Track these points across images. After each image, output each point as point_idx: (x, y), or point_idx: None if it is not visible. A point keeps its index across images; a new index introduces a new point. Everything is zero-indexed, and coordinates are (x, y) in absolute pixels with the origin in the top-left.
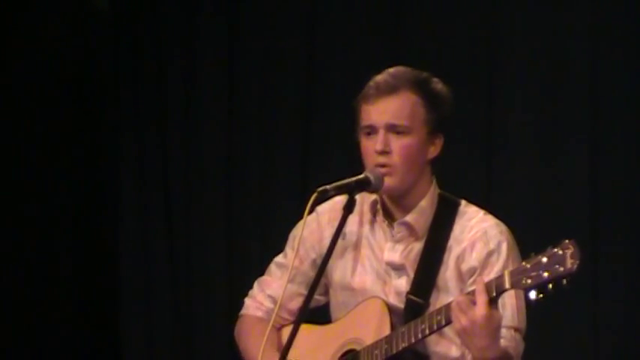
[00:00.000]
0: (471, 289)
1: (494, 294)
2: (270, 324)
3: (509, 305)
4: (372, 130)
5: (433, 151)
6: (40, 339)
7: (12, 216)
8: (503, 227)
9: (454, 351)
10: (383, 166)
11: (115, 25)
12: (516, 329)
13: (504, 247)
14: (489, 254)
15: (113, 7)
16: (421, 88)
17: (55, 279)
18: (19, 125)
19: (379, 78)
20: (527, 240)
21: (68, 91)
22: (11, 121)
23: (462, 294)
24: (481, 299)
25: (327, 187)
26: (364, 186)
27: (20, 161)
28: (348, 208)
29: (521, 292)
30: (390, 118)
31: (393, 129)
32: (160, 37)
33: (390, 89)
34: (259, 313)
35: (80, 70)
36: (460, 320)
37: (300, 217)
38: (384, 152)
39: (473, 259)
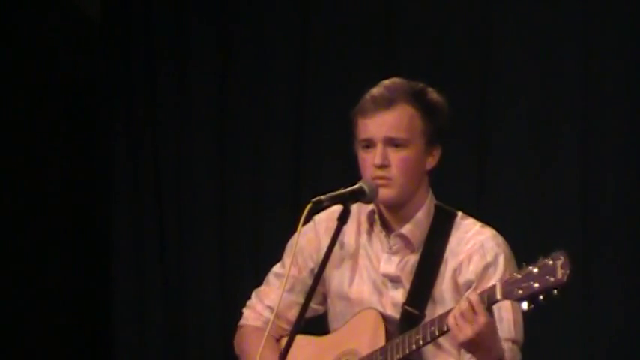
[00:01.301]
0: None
1: (486, 304)
2: (267, 331)
3: (506, 318)
4: (370, 144)
5: (431, 162)
6: (32, 343)
7: (3, 220)
8: (500, 239)
9: None
10: (382, 178)
11: (106, 31)
12: (514, 341)
13: (501, 259)
14: (486, 267)
15: (104, 14)
16: (418, 100)
17: (47, 285)
18: (9, 131)
19: (375, 91)
20: (519, 246)
21: (60, 98)
22: (1, 128)
23: (458, 306)
24: (480, 309)
25: (322, 197)
26: (358, 197)
27: (11, 166)
28: (343, 219)
29: (517, 305)
30: (388, 132)
31: (391, 142)
32: (152, 44)
33: (387, 102)
34: (258, 323)
35: (72, 77)
36: (466, 331)
37: (292, 227)
38: (383, 166)
39: (470, 272)
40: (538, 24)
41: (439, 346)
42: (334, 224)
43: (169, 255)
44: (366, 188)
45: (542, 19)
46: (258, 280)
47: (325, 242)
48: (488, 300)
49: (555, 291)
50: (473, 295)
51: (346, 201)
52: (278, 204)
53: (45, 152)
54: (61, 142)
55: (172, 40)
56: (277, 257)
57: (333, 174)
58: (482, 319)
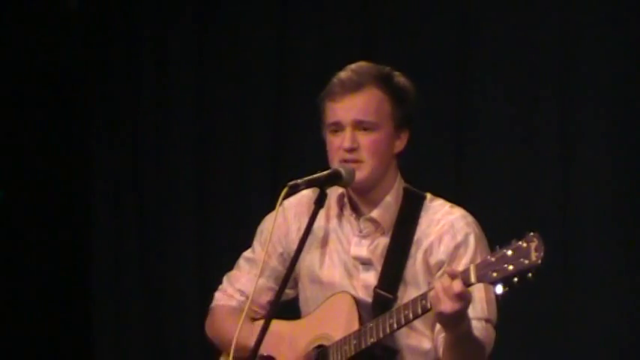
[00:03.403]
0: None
1: None
2: (245, 310)
3: (479, 298)
4: (338, 127)
5: (399, 145)
6: (11, 345)
7: None
8: (470, 219)
9: (425, 343)
10: (351, 162)
11: (85, 24)
12: (487, 320)
13: (472, 238)
14: (457, 247)
15: (84, 7)
16: (385, 83)
17: (25, 287)
18: None
19: (342, 75)
20: (499, 234)
21: (39, 91)
22: None
23: (435, 285)
24: (458, 283)
25: (298, 181)
26: (335, 180)
27: None
28: (319, 202)
29: (489, 285)
30: (356, 115)
31: (359, 125)
32: (131, 35)
33: (354, 86)
34: (232, 303)
35: (51, 70)
36: (453, 306)
37: (270, 212)
38: (352, 149)
39: (441, 253)
40: (518, 11)
41: (412, 328)
42: (303, 209)
43: (148, 253)
44: (342, 171)
45: (520, 6)
46: None
47: (294, 227)
48: (463, 283)
49: (530, 274)
50: (448, 273)
51: (323, 184)
52: (257, 192)
53: (21, 148)
54: (39, 133)
55: (152, 31)
56: None
57: (312, 161)
58: (464, 290)
